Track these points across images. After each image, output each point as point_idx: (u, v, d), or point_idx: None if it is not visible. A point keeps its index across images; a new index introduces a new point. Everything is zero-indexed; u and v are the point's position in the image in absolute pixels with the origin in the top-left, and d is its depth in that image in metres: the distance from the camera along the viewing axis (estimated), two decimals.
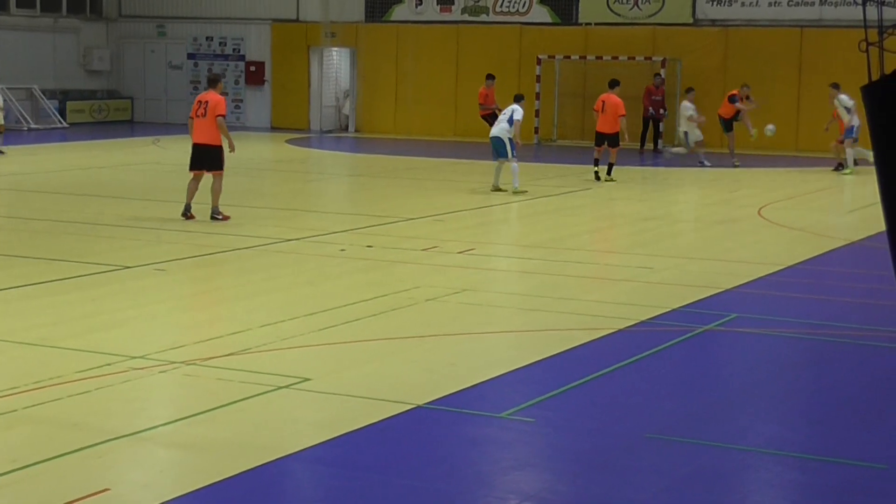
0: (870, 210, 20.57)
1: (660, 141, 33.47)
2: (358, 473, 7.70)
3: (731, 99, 29.59)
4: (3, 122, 28.90)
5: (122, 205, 20.58)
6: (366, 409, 8.96)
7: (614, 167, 25.19)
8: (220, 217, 18.18)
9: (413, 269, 14.67)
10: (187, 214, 18.33)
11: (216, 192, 18.35)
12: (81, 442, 8.04)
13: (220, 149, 18.50)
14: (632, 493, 7.47)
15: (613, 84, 25.93)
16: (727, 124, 29.55)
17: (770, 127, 27.58)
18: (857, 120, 27.30)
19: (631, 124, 32.28)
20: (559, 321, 12.04)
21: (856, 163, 27.58)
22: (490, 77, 31.77)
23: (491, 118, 30.55)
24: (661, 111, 33.29)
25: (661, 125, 33.57)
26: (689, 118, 28.35)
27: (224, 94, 19.34)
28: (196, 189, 18.51)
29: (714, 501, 7.41)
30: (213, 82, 19.29)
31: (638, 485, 7.61)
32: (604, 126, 24.72)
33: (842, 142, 27.57)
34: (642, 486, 7.57)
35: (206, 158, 18.46)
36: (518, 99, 23.36)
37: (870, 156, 26.17)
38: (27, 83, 37.61)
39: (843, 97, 27.49)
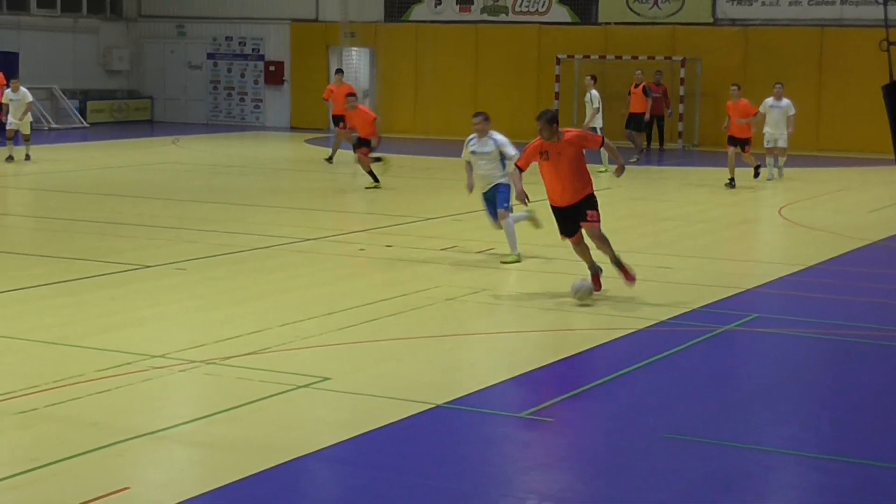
0: (891, 210, 20.49)
1: (685, 140, 33.42)
2: (377, 473, 7.70)
3: (647, 92, 29.92)
4: (28, 131, 27.86)
5: (142, 204, 20.63)
6: (385, 408, 8.96)
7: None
8: (625, 274, 13.21)
9: (432, 269, 14.67)
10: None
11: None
12: (101, 441, 8.06)
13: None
14: (651, 493, 7.45)
15: None
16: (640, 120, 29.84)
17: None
18: (600, 121, 26.60)
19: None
20: (578, 321, 12.02)
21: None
22: (339, 71, 30.62)
23: (340, 119, 27.46)
24: (667, 110, 33.23)
25: (663, 122, 33.58)
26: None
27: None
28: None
29: (733, 502, 7.38)
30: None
31: (657, 485, 7.59)
32: None
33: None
34: (661, 487, 7.56)
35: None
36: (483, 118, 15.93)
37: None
38: (47, 83, 37.71)
39: (595, 93, 26.93)
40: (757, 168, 24.90)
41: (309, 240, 16.69)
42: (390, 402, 9.12)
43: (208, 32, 40.54)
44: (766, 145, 25.58)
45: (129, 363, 10.00)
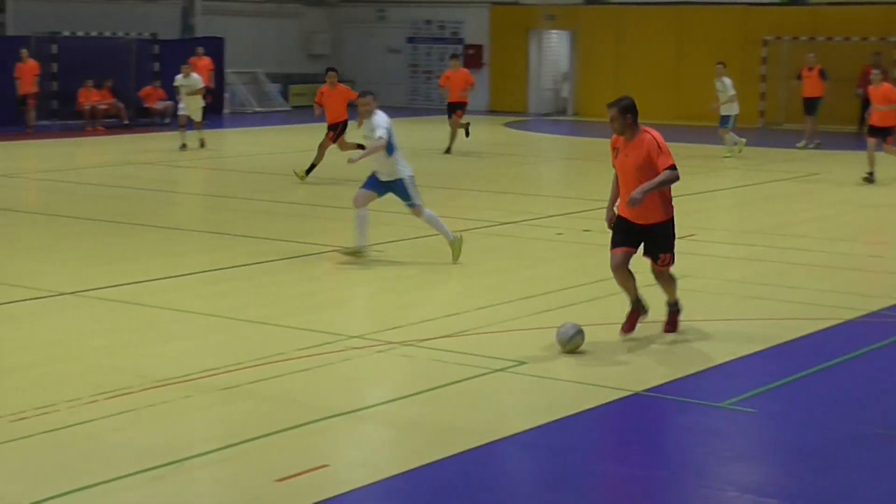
0: None
1: None
2: (572, 459, 7.59)
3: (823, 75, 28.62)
4: (199, 118, 26.64)
5: (341, 187, 20.88)
6: (581, 394, 8.84)
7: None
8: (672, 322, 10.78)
9: None
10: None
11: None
12: (301, 418, 8.15)
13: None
14: (860, 490, 7.14)
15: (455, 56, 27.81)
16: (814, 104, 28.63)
17: None
18: (736, 108, 25.67)
19: (847, 105, 31.24)
20: (783, 310, 11.66)
21: None
22: (454, 56, 28.73)
23: (457, 107, 26.82)
24: None
25: None
26: None
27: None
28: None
29: None
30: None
31: (867, 482, 7.27)
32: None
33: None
34: (872, 484, 7.24)
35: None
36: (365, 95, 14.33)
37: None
38: (252, 67, 38.63)
39: (728, 80, 25.84)
40: None
41: (506, 223, 16.64)
42: (586, 387, 9.00)
43: (408, 16, 40.89)
44: None
45: (328, 343, 10.10)
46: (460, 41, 40.11)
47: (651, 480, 7.26)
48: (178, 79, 26.93)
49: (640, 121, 10.23)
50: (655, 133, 10.20)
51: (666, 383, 9.11)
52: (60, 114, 32.11)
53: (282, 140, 30.23)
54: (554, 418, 8.27)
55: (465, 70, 27.72)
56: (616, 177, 10.45)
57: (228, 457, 7.49)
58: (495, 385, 9.12)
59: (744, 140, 26.05)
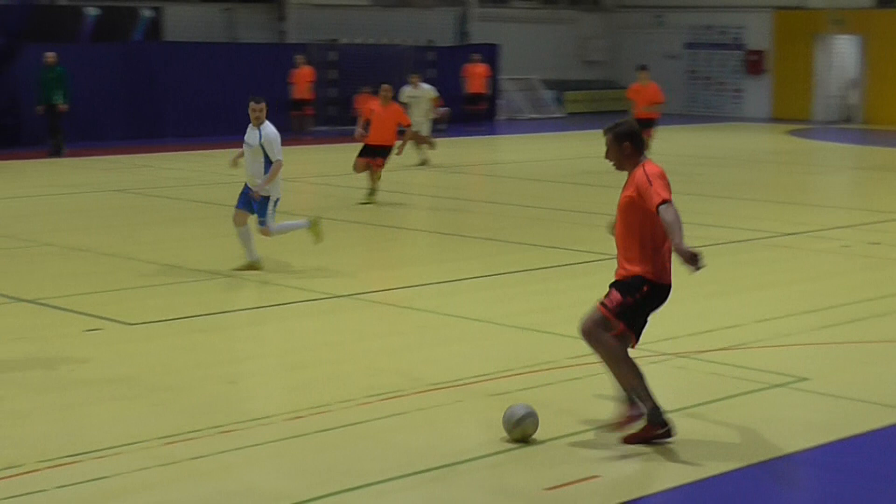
0: None
1: None
2: (857, 480, 7.22)
3: None
4: (426, 132, 24.86)
5: (615, 194, 20.65)
6: (868, 413, 8.41)
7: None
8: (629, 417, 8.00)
9: None
10: None
11: None
12: (571, 427, 8.02)
13: None
14: None
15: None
16: None
17: None
18: None
19: None
20: None
21: None
22: (642, 68, 24.62)
23: (645, 124, 22.18)
24: None
25: None
26: None
27: None
28: None
29: None
30: None
31: None
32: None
33: None
34: None
35: None
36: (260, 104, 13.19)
37: None
38: (527, 73, 38.81)
39: None
40: None
41: (787, 234, 16.09)
42: (873, 406, 8.55)
43: (686, 21, 40.30)
44: None
45: None
46: (741, 47, 39.28)
47: None
48: (407, 90, 25.26)
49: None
50: (652, 166, 8.09)
51: None
52: (338, 119, 32.98)
53: (556, 147, 30.20)
54: (837, 438, 7.89)
55: (655, 84, 24.33)
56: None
57: (498, 463, 7.41)
58: (775, 401, 8.75)
59: None
